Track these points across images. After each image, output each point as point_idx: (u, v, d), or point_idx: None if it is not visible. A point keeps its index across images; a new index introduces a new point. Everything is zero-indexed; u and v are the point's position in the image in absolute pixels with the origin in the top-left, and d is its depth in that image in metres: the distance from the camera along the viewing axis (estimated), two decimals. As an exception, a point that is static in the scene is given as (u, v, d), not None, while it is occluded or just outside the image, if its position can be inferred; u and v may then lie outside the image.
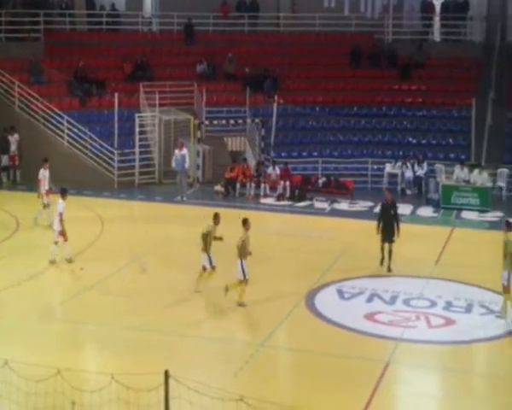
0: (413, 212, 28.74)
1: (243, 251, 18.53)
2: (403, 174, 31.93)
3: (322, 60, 37.10)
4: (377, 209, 23.99)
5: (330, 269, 21.45)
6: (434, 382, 15.79)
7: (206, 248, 19.23)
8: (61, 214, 21.30)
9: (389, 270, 21.23)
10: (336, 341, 17.02)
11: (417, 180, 31.63)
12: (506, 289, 17.97)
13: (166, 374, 10.94)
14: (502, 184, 30.88)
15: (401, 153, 33.25)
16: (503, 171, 31.05)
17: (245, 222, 18.83)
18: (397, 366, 15.86)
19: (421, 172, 31.72)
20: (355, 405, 13.70)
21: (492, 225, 26.89)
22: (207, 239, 19.22)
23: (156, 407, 11.55)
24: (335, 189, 30.85)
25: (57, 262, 21.37)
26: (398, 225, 21.39)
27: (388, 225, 21.35)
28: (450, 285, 20.54)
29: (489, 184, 29.84)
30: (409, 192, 31.62)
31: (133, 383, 12.23)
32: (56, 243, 21.45)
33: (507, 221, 19.18)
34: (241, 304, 18.57)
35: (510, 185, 30.94)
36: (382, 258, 21.42)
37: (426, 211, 29.15)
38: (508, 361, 16.28)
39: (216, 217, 19.46)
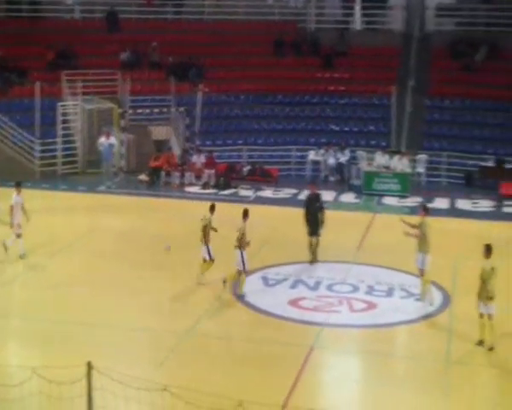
0: (336, 198, 29.26)
1: (243, 242, 18.74)
2: (326, 161, 32.42)
3: (247, 48, 37.20)
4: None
5: (255, 256, 21.58)
6: (357, 365, 16.20)
7: (205, 239, 19.36)
8: (12, 207, 20.86)
9: (312, 262, 21.20)
10: (261, 327, 17.27)
11: (340, 167, 32.16)
12: (421, 272, 18.51)
13: (89, 366, 10.91)
14: (421, 169, 31.68)
15: (324, 140, 33.71)
16: (422, 157, 31.84)
17: (245, 213, 19.14)
18: (321, 351, 16.18)
19: (343, 159, 32.26)
20: (280, 390, 13.92)
21: (412, 210, 27.56)
22: (206, 230, 19.35)
23: (79, 399, 11.50)
24: (260, 176, 31.17)
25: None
26: (322, 219, 21.25)
27: (313, 219, 21.26)
28: (371, 270, 21.01)
29: (409, 170, 30.57)
30: (332, 179, 32.15)
31: (56, 376, 12.14)
32: (19, 235, 21.01)
33: (424, 206, 19.74)
34: (241, 296, 18.72)
35: (429, 171, 31.75)
36: (311, 258, 21.24)
37: (348, 197, 29.72)
38: (427, 343, 16.75)
39: (212, 207, 19.67)
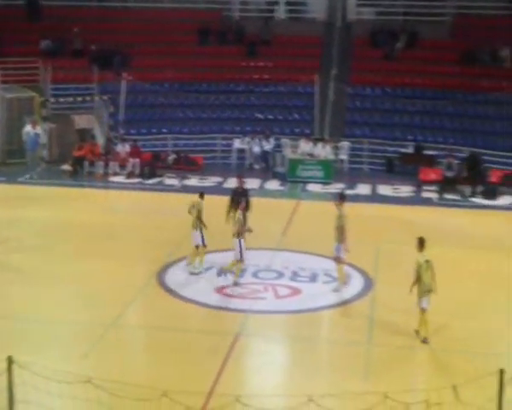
0: (261, 186, 29.57)
1: (241, 230, 18.88)
2: (251, 149, 32.69)
3: (171, 36, 37.11)
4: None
5: (181, 245, 21.73)
6: (282, 351, 16.47)
7: (201, 225, 19.62)
8: None
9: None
10: (187, 316, 17.44)
11: (265, 155, 32.47)
12: (337, 260, 18.87)
13: (9, 360, 10.82)
14: (343, 156, 32.24)
15: (249, 128, 33.96)
16: (345, 144, 32.41)
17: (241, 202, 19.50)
18: (246, 338, 16.41)
19: (268, 146, 32.57)
20: (206, 378, 14.07)
21: (335, 197, 28.06)
22: (199, 216, 19.58)
23: (0, 394, 11.39)
24: (185, 165, 31.24)
25: None
26: (248, 213, 20.85)
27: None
28: (296, 256, 21.36)
29: (332, 157, 31.08)
30: (257, 167, 32.44)
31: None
32: None
33: (340, 194, 19.97)
34: (236, 283, 18.92)
35: (351, 158, 32.34)
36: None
37: (273, 184, 30.06)
38: (350, 327, 17.14)
39: (202, 194, 19.92)
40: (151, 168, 30.57)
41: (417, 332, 16.09)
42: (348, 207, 25.74)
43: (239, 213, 19.47)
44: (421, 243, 16.03)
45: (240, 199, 20.98)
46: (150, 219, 24.71)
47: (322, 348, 16.47)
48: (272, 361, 15.43)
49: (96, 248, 21.24)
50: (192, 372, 14.39)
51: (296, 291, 18.97)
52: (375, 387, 12.54)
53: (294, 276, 19.92)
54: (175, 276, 19.60)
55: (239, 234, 19.01)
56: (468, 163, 29.36)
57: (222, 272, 19.65)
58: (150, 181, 29.98)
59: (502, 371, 10.62)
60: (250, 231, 19.40)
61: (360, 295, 18.79)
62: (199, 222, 19.75)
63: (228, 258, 20.75)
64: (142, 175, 30.34)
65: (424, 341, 15.87)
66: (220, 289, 18.88)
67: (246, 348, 16.02)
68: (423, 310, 15.93)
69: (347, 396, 12.14)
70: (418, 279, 15.81)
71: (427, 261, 15.81)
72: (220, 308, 17.79)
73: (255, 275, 19.91)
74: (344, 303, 18.38)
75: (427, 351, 15.62)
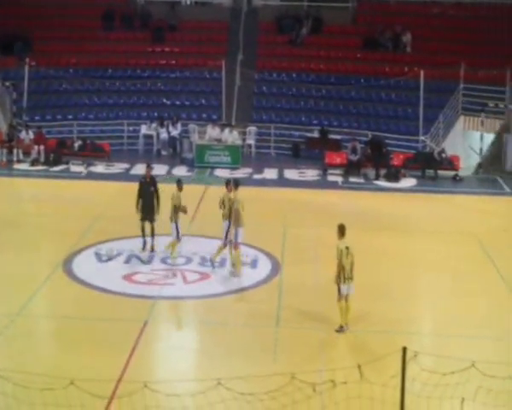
0: (169, 172, 29.49)
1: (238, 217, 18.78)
2: (158, 135, 32.55)
3: (76, 21, 36.49)
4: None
5: (88, 232, 21.56)
6: (191, 336, 16.58)
7: (174, 217, 19.32)
8: None
9: (152, 250, 20.45)
10: (95, 304, 17.28)
11: (172, 141, 32.39)
12: (235, 245, 18.97)
13: None
14: (251, 141, 32.49)
15: (156, 114, 33.81)
16: (252, 129, 32.66)
17: (228, 184, 19.45)
18: (155, 324, 16.41)
19: (175, 132, 32.50)
20: (114, 365, 14.04)
21: (243, 181, 28.24)
22: (176, 208, 19.26)
23: None
24: (92, 152, 30.87)
25: None
26: (158, 203, 20.46)
27: (148, 204, 20.37)
28: (205, 241, 21.38)
29: (239, 143, 31.27)
30: (164, 153, 32.34)
31: None
32: None
33: (232, 181, 19.91)
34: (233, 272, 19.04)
35: (258, 143, 32.61)
36: (144, 242, 20.39)
37: (181, 170, 30.01)
38: (259, 310, 17.32)
39: (179, 183, 19.48)
40: (56, 155, 30.09)
41: (341, 328, 15.85)
42: (255, 191, 26.17)
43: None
44: (341, 230, 15.83)
45: (148, 189, 20.53)
46: (56, 207, 24.35)
47: (230, 332, 16.57)
48: (181, 347, 15.49)
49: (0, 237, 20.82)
50: (100, 360, 14.31)
51: (205, 276, 19.06)
52: (283, 368, 12.74)
53: (203, 261, 19.99)
54: (82, 264, 19.40)
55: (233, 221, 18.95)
56: (372, 145, 30.01)
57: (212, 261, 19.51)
58: (55, 168, 29.53)
59: (404, 349, 10.95)
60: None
61: (268, 278, 19.01)
62: (173, 213, 19.43)
63: (136, 244, 20.66)
64: (47, 162, 29.84)
65: (341, 329, 15.86)
66: (129, 276, 18.80)
67: (154, 335, 16.01)
68: (345, 297, 15.79)
69: (256, 379, 12.30)
70: (339, 266, 15.68)
71: (347, 248, 15.68)
72: (129, 295, 17.70)
73: (164, 261, 19.90)
74: (252, 287, 18.57)
75: (334, 333, 15.93)
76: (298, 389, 11.58)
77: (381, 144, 30.12)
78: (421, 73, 30.95)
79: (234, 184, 19.46)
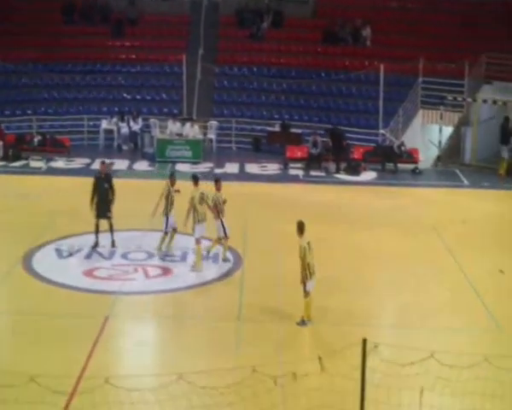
0: (129, 167, 29.38)
1: (220, 210, 19.14)
2: (119, 130, 32.38)
3: (35, 15, 36.10)
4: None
5: (48, 228, 21.40)
6: (153, 330, 16.58)
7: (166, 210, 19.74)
8: None
9: (113, 245, 20.26)
10: (56, 300, 17.20)
11: (133, 135, 32.24)
12: (197, 241, 19.07)
13: None
14: (212, 136, 32.43)
15: (116, 109, 33.60)
16: (213, 123, 32.61)
17: (217, 182, 19.61)
18: (116, 319, 16.39)
19: (136, 127, 32.35)
20: (75, 361, 13.98)
21: (204, 176, 28.27)
22: (168, 200, 19.65)
23: None
24: (51, 147, 30.61)
25: None
26: (113, 199, 20.28)
27: (102, 201, 20.10)
28: (166, 236, 21.40)
29: (200, 137, 31.21)
30: (125, 148, 32.17)
31: None
32: None
33: (193, 175, 19.98)
34: (225, 260, 19.37)
35: (219, 137, 32.58)
36: (96, 242, 20.11)
37: (142, 165, 29.92)
38: (221, 304, 17.40)
39: (172, 176, 19.92)
40: (15, 151, 29.78)
41: (303, 322, 15.98)
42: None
43: (214, 193, 19.43)
44: (301, 227, 15.80)
45: (102, 185, 20.29)
46: (15, 203, 24.11)
47: (192, 327, 16.59)
48: (143, 342, 15.45)
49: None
50: (61, 356, 14.27)
51: (166, 271, 19.06)
52: (245, 362, 12.79)
53: (165, 256, 19.97)
54: (42, 260, 19.27)
55: (219, 214, 19.24)
56: (332, 136, 30.04)
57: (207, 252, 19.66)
58: (15, 164, 29.21)
59: (364, 341, 11.07)
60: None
61: (230, 272, 19.07)
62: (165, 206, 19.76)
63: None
64: (6, 158, 29.51)
65: (303, 322, 15.95)
66: (89, 272, 18.72)
67: (116, 330, 15.99)
68: (308, 293, 15.89)
69: (217, 372, 12.34)
70: (302, 263, 15.71)
71: (308, 243, 15.76)
72: (89, 291, 17.63)
73: (125, 256, 19.86)
74: (214, 281, 18.61)
75: (295, 326, 16.04)
76: (259, 382, 11.66)
77: (342, 136, 30.24)
78: (381, 66, 31.15)
79: (193, 179, 19.49)
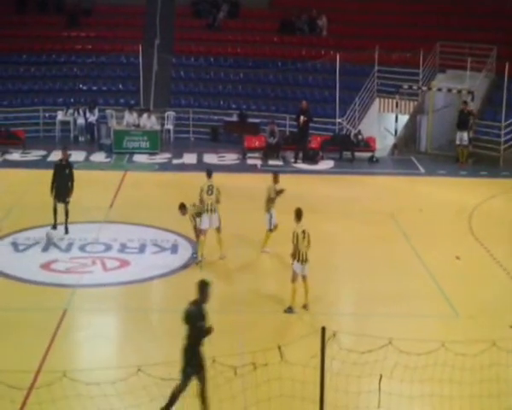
0: (86, 158, 29.14)
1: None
2: (75, 121, 32.08)
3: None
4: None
5: (3, 222, 21.14)
6: (112, 322, 16.50)
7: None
8: None
9: (66, 232, 20.46)
10: (12, 294, 17.00)
11: (89, 127, 31.97)
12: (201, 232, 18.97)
13: None
14: (169, 126, 32.31)
15: (72, 100, 33.31)
16: (171, 114, 32.49)
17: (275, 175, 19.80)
18: (75, 313, 16.26)
19: (92, 118, 32.07)
20: (34, 355, 13.86)
21: (162, 167, 28.30)
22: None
23: None
24: (6, 139, 30.22)
25: None
26: (72, 185, 20.62)
27: (62, 186, 20.51)
28: (124, 228, 21.28)
29: (157, 128, 31.03)
30: (82, 139, 31.91)
31: None
32: None
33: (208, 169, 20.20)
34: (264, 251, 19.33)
35: (177, 127, 32.48)
36: (55, 223, 20.50)
37: (99, 157, 29.70)
38: (180, 295, 17.20)
39: (209, 171, 19.64)
40: (-31, 144, 29.37)
41: (290, 309, 16.18)
42: (175, 176, 26.20)
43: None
44: (299, 214, 16.20)
45: (63, 171, 20.61)
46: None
47: (152, 318, 16.58)
48: (101, 334, 15.37)
49: None
50: (18, 351, 14.12)
51: (125, 263, 18.94)
52: (205, 353, 12.76)
53: (123, 248, 19.86)
54: (-2, 254, 19.06)
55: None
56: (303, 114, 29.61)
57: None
58: (-30, 157, 28.84)
59: (323, 329, 11.13)
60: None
61: (189, 263, 19.01)
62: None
63: (54, 232, 20.32)
64: (-40, 151, 29.11)
65: (289, 310, 16.17)
66: (47, 265, 18.54)
67: (74, 324, 15.86)
68: (303, 278, 16.21)
69: (177, 364, 12.29)
70: (295, 248, 16.01)
71: (303, 232, 16.04)
72: (47, 284, 17.46)
73: (82, 249, 19.69)
74: (173, 272, 18.54)
75: (255, 315, 16.11)
76: (219, 373, 11.66)
77: (310, 118, 29.84)
78: (337, 56, 31.26)
79: (207, 172, 19.72)
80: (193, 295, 16.83)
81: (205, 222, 18.83)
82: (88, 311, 16.59)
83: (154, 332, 15.61)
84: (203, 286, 12.30)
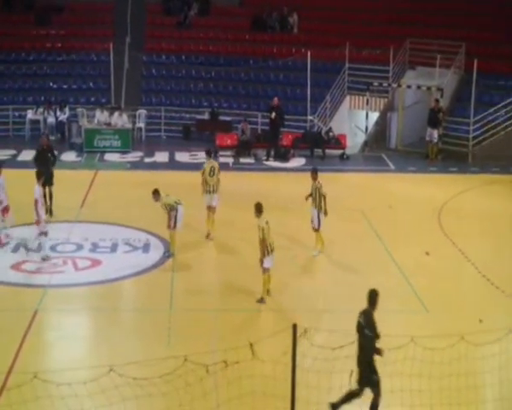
0: (57, 157, 28.83)
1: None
2: (45, 120, 31.90)
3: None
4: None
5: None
6: (83, 322, 16.43)
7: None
8: None
9: (51, 214, 21.24)
10: (-18, 295, 16.92)
11: (60, 125, 31.80)
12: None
13: None
14: (141, 124, 32.24)
15: (42, 98, 33.10)
16: (142, 112, 32.43)
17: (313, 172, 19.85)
18: (45, 313, 16.21)
19: (63, 117, 31.92)
20: (4, 357, 13.81)
21: (133, 165, 28.23)
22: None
23: None
24: (-24, 139, 30.01)
25: None
26: (53, 168, 21.92)
27: (48, 169, 21.39)
28: (95, 227, 21.23)
29: (129, 126, 30.95)
30: (52, 138, 31.59)
31: None
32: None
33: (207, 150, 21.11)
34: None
35: (148, 126, 32.42)
36: (50, 207, 21.66)
37: (70, 156, 29.57)
38: (152, 294, 17.36)
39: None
40: None
41: (262, 299, 16.46)
42: (146, 174, 26.16)
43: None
44: (259, 208, 16.50)
45: (46, 155, 21.85)
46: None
47: (124, 318, 16.58)
48: (73, 335, 15.32)
49: None
50: (-11, 353, 14.06)
51: (96, 262, 18.90)
52: (177, 351, 12.79)
53: (94, 247, 19.82)
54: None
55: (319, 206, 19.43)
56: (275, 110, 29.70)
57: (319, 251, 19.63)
58: None
59: (295, 326, 11.19)
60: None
61: (160, 261, 19.01)
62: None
63: (25, 233, 20.19)
64: None
65: (262, 300, 16.44)
66: (17, 266, 18.44)
67: (45, 324, 15.83)
68: (267, 270, 16.50)
69: (149, 363, 12.32)
70: (263, 242, 16.28)
71: (267, 223, 16.38)
72: (17, 285, 17.38)
73: (53, 249, 19.58)
74: (145, 271, 18.52)
75: (226, 313, 16.15)
76: (191, 371, 11.67)
77: (282, 114, 29.91)
78: (308, 53, 31.36)
79: (206, 153, 20.88)
80: (163, 293, 17.05)
81: (209, 200, 20.28)
82: (59, 311, 16.52)
83: (125, 332, 15.59)
84: (373, 295, 12.68)
